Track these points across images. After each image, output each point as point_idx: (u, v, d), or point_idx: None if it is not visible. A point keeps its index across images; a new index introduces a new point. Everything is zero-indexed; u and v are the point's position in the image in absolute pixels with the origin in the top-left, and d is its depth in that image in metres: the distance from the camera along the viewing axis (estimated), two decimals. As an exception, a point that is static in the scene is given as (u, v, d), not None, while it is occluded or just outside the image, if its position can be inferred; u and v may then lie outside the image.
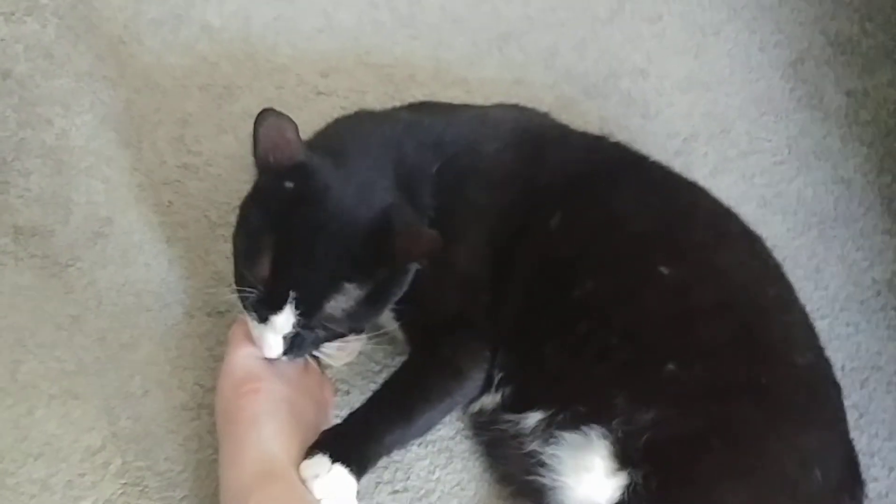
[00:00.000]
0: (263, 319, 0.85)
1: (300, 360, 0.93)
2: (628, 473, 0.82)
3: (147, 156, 1.10)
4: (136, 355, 0.98)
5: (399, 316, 0.94)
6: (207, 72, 1.17)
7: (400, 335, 0.96)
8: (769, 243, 1.00)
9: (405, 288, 0.89)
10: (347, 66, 1.21)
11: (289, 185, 0.84)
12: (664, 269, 0.89)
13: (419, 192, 0.91)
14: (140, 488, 0.91)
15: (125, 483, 0.91)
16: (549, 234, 0.92)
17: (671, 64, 1.29)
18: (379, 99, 1.18)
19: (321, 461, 0.83)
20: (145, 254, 1.04)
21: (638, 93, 1.25)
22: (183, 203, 1.07)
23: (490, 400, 0.93)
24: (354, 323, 0.88)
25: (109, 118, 1.12)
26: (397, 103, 1.15)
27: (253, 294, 0.84)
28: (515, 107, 1.05)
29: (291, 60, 1.20)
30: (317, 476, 0.83)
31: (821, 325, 1.08)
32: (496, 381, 0.91)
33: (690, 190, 1.00)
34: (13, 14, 1.18)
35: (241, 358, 0.90)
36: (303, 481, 0.83)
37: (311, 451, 0.84)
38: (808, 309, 0.96)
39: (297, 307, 0.83)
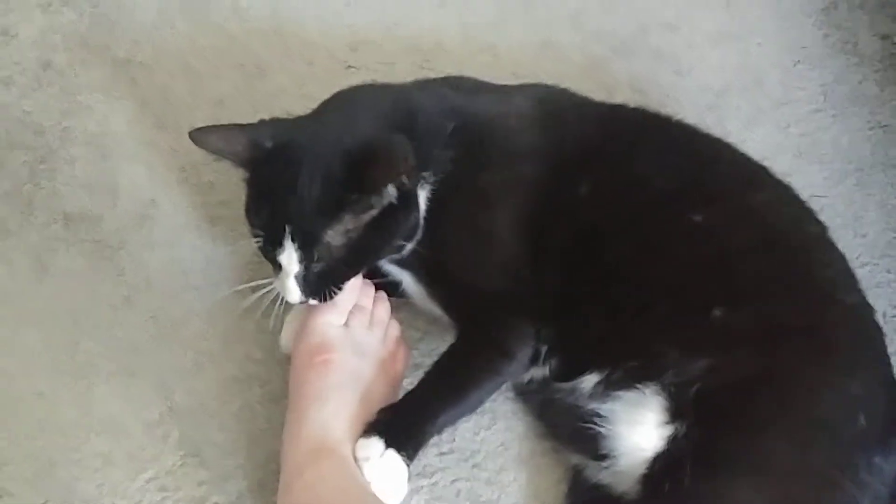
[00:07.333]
0: (277, 267, 0.88)
1: (378, 332, 0.95)
2: (676, 425, 0.83)
3: (186, 138, 1.12)
4: (187, 332, 1.01)
5: (431, 291, 0.94)
6: (239, 52, 1.19)
7: (438, 312, 0.96)
8: (806, 193, 0.98)
9: (411, 220, 0.89)
10: (376, 39, 1.21)
11: (268, 144, 0.88)
12: (697, 217, 0.88)
13: (430, 143, 0.90)
14: (198, 458, 0.94)
15: (184, 454, 0.94)
16: (579, 204, 0.92)
17: (701, 16, 1.27)
18: (408, 69, 1.18)
19: (375, 445, 0.84)
20: (191, 234, 1.07)
21: (668, 48, 1.24)
22: (223, 182, 1.09)
23: (539, 372, 0.93)
24: (361, 255, 0.89)
25: (148, 103, 1.15)
26: (427, 73, 1.15)
27: (259, 241, 0.88)
28: (536, 86, 1.03)
29: (320, 35, 1.21)
30: (368, 459, 0.84)
31: (861, 273, 1.07)
32: (542, 354, 0.92)
33: (715, 144, 0.98)
34: (50, 5, 1.21)
35: (320, 325, 0.92)
36: (356, 460, 0.84)
37: (367, 431, 0.85)
38: (847, 257, 0.95)
39: (294, 240, 0.85)
